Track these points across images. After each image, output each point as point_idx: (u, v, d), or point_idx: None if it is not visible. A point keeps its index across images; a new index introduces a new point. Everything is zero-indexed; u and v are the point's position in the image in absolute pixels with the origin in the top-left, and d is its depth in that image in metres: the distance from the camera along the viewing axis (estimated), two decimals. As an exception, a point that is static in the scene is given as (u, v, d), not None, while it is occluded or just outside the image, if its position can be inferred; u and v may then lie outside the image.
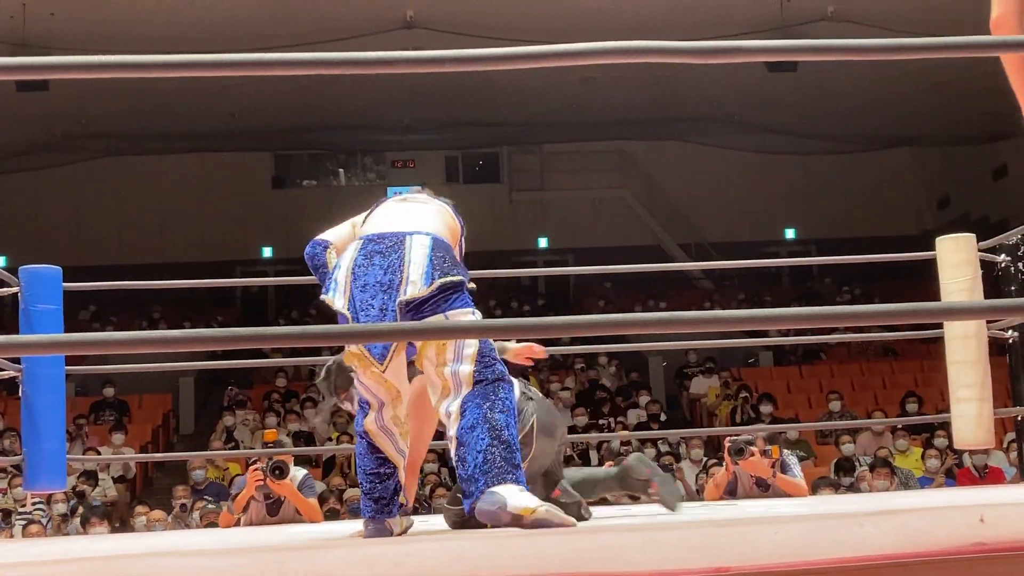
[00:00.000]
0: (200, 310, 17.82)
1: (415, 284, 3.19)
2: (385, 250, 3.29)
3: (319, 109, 17.58)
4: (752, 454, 6.04)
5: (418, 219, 3.42)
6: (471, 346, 3.17)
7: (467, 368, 3.16)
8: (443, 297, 3.20)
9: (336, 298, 3.28)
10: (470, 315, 3.24)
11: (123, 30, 13.52)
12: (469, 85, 15.74)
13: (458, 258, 3.45)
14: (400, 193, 3.78)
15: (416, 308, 3.20)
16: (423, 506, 9.18)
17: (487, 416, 3.10)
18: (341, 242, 3.65)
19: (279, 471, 5.95)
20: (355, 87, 16.34)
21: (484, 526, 3.08)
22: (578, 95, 16.59)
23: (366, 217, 3.64)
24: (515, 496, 2.98)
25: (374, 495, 3.37)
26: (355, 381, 3.41)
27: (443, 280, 3.19)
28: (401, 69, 2.21)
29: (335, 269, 3.38)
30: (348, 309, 3.25)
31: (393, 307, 3.19)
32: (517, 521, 2.93)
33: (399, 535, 3.37)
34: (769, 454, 6.07)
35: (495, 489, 3.00)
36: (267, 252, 20.35)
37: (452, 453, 3.16)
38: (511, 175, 20.01)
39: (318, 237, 3.75)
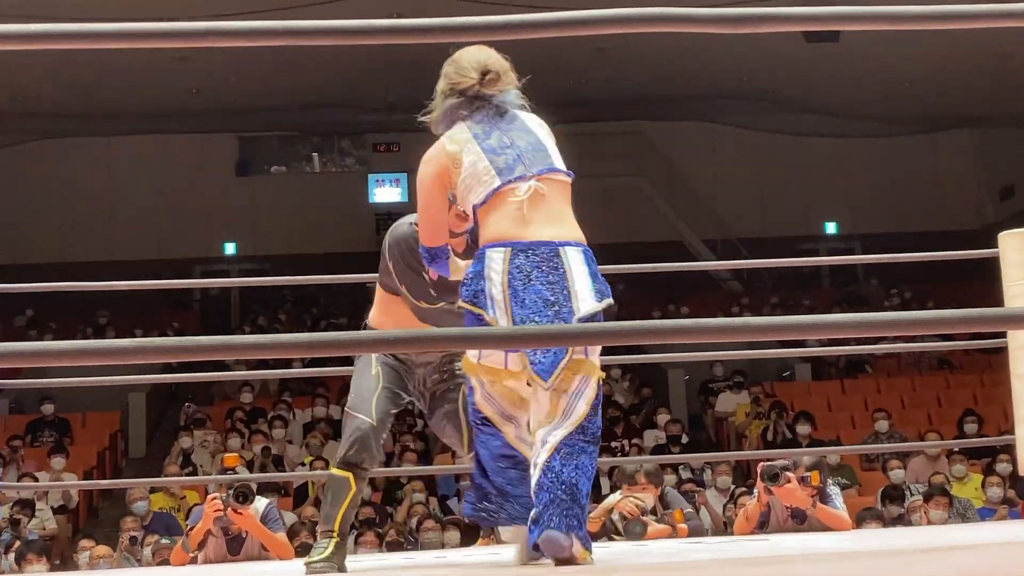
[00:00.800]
0: (153, 315, 17.81)
1: (586, 300, 3.48)
2: (541, 264, 3.49)
3: (290, 85, 17.58)
4: (788, 480, 6.04)
5: (559, 215, 3.57)
6: (593, 389, 3.48)
7: (583, 408, 3.46)
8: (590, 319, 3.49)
9: (499, 317, 3.48)
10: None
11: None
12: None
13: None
14: (492, 111, 3.72)
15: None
16: (409, 540, 9.18)
17: (575, 476, 3.43)
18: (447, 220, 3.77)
19: (243, 497, 5.95)
20: (332, 60, 16.35)
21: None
22: (588, 69, 16.59)
23: (465, 157, 3.63)
24: (576, 544, 3.40)
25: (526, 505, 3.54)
26: (480, 396, 3.62)
27: (608, 300, 3.52)
28: (383, 39, 2.21)
29: (481, 280, 3.52)
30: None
31: (571, 322, 3.44)
32: (569, 560, 3.36)
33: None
34: (808, 481, 6.07)
35: (572, 540, 3.39)
36: (230, 248, 20.35)
37: (533, 475, 3.46)
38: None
39: (429, 240, 3.76)
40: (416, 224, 3.86)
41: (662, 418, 13.25)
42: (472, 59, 3.67)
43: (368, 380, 4.15)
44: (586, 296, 3.46)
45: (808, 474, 6.08)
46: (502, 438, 3.61)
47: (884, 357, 15.93)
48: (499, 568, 3.73)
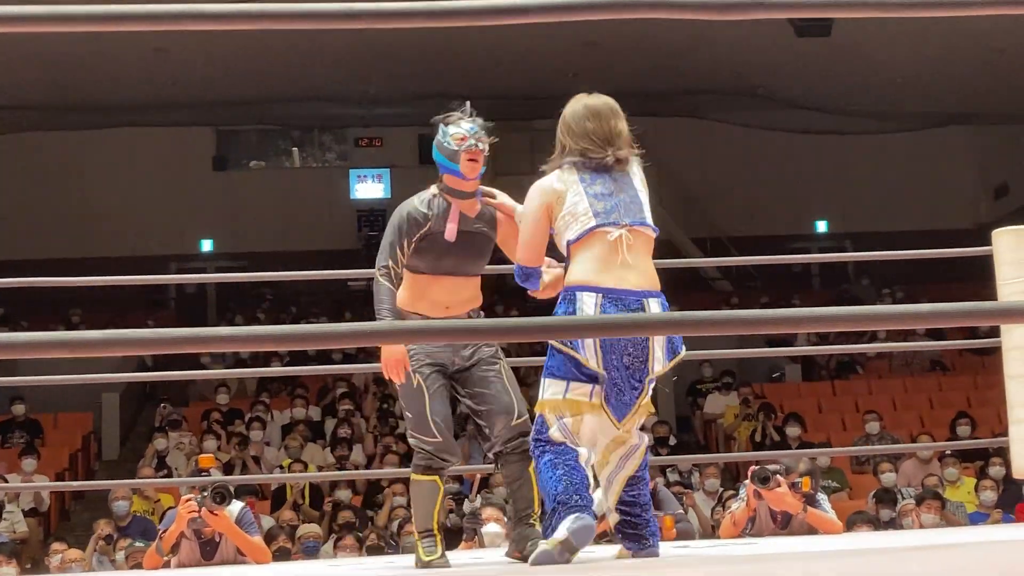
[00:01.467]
0: (128, 314, 17.77)
1: (660, 360, 4.04)
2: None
3: (269, 77, 17.53)
4: (779, 484, 6.05)
5: (644, 264, 4.08)
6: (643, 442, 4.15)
7: (648, 439, 4.23)
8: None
9: (590, 358, 3.97)
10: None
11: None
12: (446, 48, 15.73)
13: None
14: (590, 172, 4.17)
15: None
16: (390, 544, 9.17)
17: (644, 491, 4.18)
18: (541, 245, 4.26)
19: (220, 497, 5.93)
20: (312, 50, 16.30)
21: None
22: (576, 63, 16.59)
23: (569, 201, 4.12)
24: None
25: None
26: (555, 429, 4.07)
27: (680, 356, 4.13)
28: (364, 24, 2.20)
29: None
30: (603, 369, 3.97)
31: (643, 380, 4.03)
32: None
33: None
34: (799, 487, 6.08)
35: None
36: (207, 245, 20.30)
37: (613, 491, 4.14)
38: (495, 156, 19.88)
39: (526, 260, 4.25)
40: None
41: (649, 420, 13.26)
42: (602, 130, 4.21)
43: (414, 396, 4.38)
44: (660, 356, 4.04)
45: (799, 480, 6.10)
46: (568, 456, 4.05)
47: (875, 358, 15.97)
48: (482, 567, 3.73)
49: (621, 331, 2.40)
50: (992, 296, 5.23)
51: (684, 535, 6.65)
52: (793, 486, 6.08)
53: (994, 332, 5.51)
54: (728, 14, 2.33)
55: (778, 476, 6.09)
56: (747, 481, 6.24)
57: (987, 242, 5.31)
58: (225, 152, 20.61)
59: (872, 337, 14.35)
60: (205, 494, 5.97)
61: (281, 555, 8.13)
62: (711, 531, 8.84)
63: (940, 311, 2.20)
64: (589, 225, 3.98)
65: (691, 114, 19.86)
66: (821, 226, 20.93)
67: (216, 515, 5.96)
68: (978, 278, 6.99)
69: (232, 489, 6.08)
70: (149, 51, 15.98)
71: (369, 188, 20.49)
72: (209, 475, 7.05)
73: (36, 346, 2.10)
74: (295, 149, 21.10)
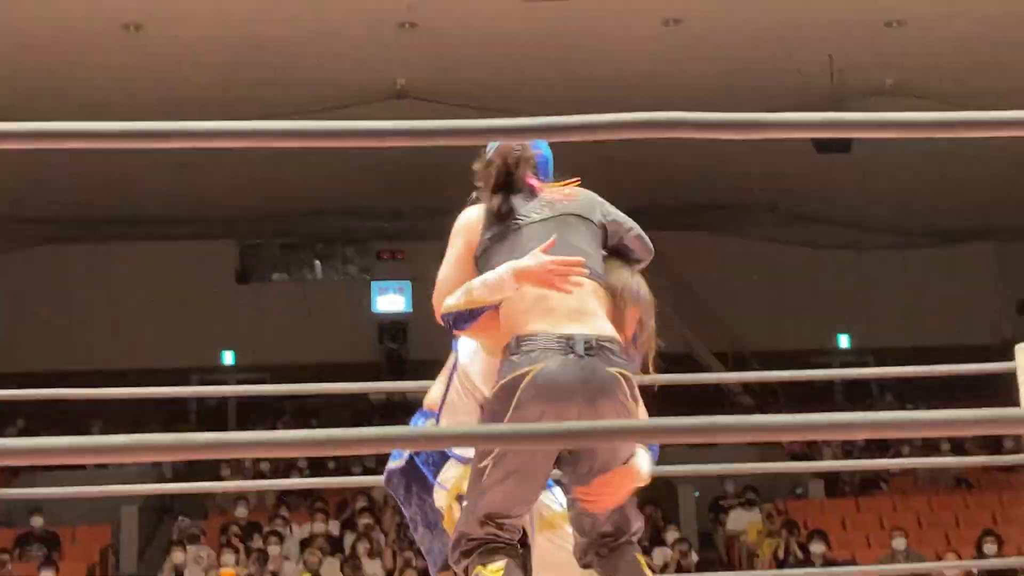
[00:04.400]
0: (148, 425, 17.76)
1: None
2: None
3: (292, 191, 17.71)
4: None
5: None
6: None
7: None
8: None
9: None
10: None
11: (61, 91, 13.67)
12: (467, 163, 15.85)
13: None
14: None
15: None
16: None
17: None
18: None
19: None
20: (334, 163, 16.48)
21: None
22: (596, 174, 16.69)
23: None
24: None
25: None
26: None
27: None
28: (390, 142, 2.24)
29: None
30: None
31: None
32: None
33: None
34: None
35: None
36: (228, 358, 20.35)
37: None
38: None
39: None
40: None
41: (671, 535, 13.15)
42: None
43: None
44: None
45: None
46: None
47: (900, 474, 15.85)
48: None
49: (633, 436, 2.38)
50: (1016, 412, 5.20)
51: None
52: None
53: (1019, 448, 5.48)
54: (749, 132, 2.36)
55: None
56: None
57: (1010, 357, 5.30)
58: (248, 265, 20.76)
59: (896, 453, 14.26)
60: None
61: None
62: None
63: (961, 419, 2.19)
64: None
65: (711, 228, 19.95)
66: (843, 341, 20.89)
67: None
68: (1002, 394, 6.96)
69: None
70: (173, 166, 16.16)
71: (391, 300, 20.56)
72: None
73: (58, 452, 2.11)
74: (317, 262, 21.23)
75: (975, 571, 10.60)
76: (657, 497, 15.12)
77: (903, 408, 18.53)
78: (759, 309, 20.36)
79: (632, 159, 16.34)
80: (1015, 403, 5.22)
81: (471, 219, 3.69)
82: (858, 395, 20.29)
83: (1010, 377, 5.32)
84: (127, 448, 2.00)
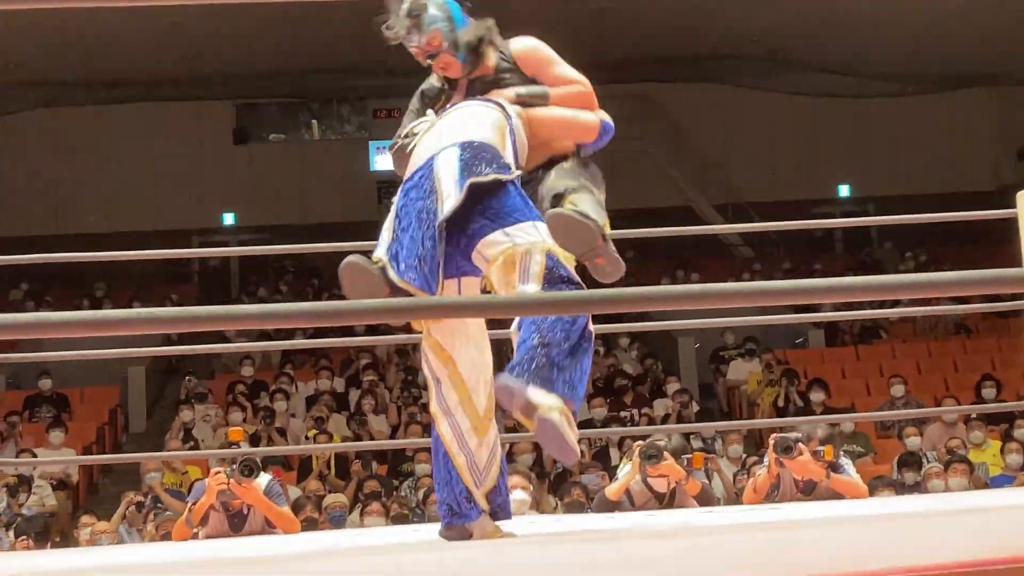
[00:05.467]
0: (151, 287, 17.83)
1: (451, 196, 3.27)
2: (419, 181, 3.42)
3: (288, 50, 17.54)
4: (801, 453, 6.07)
5: (453, 134, 3.46)
6: (537, 264, 3.25)
7: (534, 288, 3.20)
8: (485, 207, 3.25)
9: (380, 251, 3.46)
10: (530, 227, 3.28)
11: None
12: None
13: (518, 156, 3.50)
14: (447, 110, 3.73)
15: (461, 228, 3.29)
16: (415, 513, 9.22)
17: (548, 330, 3.21)
18: None
19: (248, 469, 5.98)
20: (329, 21, 16.29)
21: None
22: (590, 28, 16.53)
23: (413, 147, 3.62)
24: (537, 393, 3.11)
25: (446, 502, 3.53)
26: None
27: (474, 180, 3.25)
28: None
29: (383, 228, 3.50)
30: (387, 256, 3.41)
31: (432, 235, 3.28)
32: (527, 411, 3.08)
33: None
34: (821, 455, 6.10)
35: (528, 387, 3.12)
36: (228, 219, 20.35)
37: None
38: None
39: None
40: None
41: (672, 387, 13.27)
42: None
43: None
44: (451, 191, 3.30)
45: (822, 448, 6.12)
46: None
47: (899, 322, 15.92)
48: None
49: (621, 305, 2.37)
50: (1016, 257, 5.20)
51: (706, 500, 6.66)
52: (815, 454, 6.10)
53: (1018, 295, 5.50)
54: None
55: (800, 445, 6.11)
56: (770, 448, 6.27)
57: (1010, 204, 5.28)
58: (245, 125, 20.63)
59: (895, 302, 14.31)
60: (234, 467, 6.02)
61: (308, 525, 8.17)
62: (735, 497, 8.86)
63: (964, 279, 2.19)
64: None
65: (709, 79, 19.78)
66: (843, 190, 20.85)
67: (245, 488, 6.01)
68: (1002, 241, 6.97)
69: (260, 461, 6.12)
70: (167, 26, 15.99)
71: (389, 159, 20.41)
72: (239, 447, 7.10)
73: (62, 325, 2.11)
74: (314, 121, 21.10)
75: (974, 415, 10.72)
76: (657, 349, 15.24)
77: (903, 255, 18.58)
78: (758, 160, 20.29)
79: (625, 10, 16.15)
80: (1015, 248, 5.22)
81: None
82: (857, 244, 20.32)
83: (1010, 222, 5.31)
84: (131, 320, 2.00)
